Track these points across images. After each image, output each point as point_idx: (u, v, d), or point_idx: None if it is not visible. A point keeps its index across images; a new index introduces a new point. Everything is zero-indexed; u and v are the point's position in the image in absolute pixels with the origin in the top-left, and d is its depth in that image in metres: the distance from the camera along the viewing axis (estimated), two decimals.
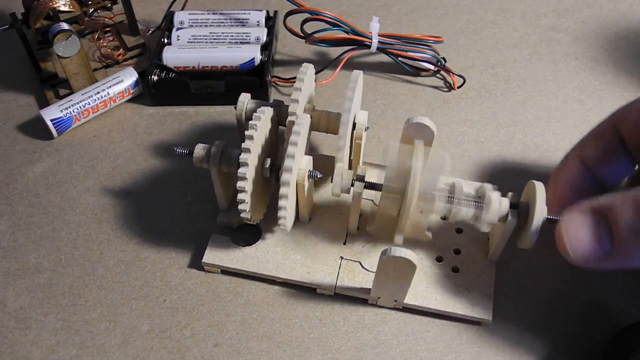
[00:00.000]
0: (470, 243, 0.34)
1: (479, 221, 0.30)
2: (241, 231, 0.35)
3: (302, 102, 0.32)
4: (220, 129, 0.42)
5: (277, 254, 0.33)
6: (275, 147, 0.35)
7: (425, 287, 0.32)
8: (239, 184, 0.29)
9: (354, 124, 0.33)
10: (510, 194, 0.30)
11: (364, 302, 0.32)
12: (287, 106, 0.33)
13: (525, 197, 0.30)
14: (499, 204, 0.29)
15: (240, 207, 0.30)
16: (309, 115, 0.32)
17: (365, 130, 0.34)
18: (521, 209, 0.30)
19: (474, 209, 0.30)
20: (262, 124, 0.30)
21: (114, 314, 0.32)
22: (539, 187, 0.29)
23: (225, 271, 0.33)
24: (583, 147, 0.31)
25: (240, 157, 0.29)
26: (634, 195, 0.25)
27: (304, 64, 0.34)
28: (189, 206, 0.37)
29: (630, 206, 0.25)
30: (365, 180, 0.31)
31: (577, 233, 0.26)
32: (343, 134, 0.31)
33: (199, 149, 0.32)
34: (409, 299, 0.32)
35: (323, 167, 0.34)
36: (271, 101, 0.36)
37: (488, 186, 0.30)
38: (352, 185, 0.31)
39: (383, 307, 0.32)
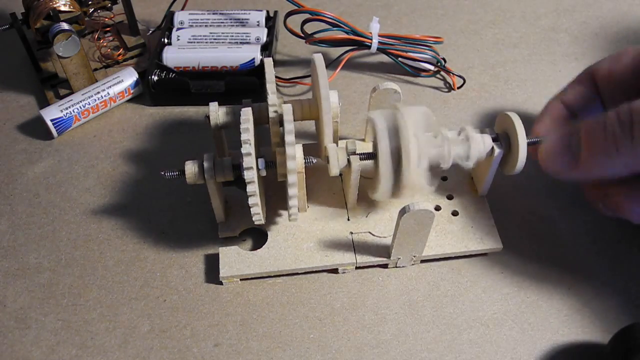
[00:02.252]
0: (457, 187, 0.36)
1: (468, 160, 0.32)
2: (245, 237, 0.35)
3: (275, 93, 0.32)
4: None
5: (290, 247, 0.34)
6: (257, 144, 0.35)
7: (436, 237, 0.34)
8: (249, 188, 0.29)
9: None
10: (487, 129, 0.33)
11: (363, 300, 0.33)
12: (257, 104, 0.34)
13: (500, 130, 0.33)
14: (482, 140, 0.32)
15: (252, 210, 0.30)
16: (290, 105, 0.31)
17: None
18: (503, 140, 0.32)
19: (464, 150, 0.32)
20: (250, 125, 0.30)
21: (114, 314, 0.32)
22: (515, 116, 0.31)
23: (245, 278, 0.33)
24: (564, 92, 0.35)
25: (244, 161, 0.28)
26: (596, 121, 0.29)
27: (265, 60, 0.34)
28: (189, 206, 0.37)
29: (601, 128, 0.28)
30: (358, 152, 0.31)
31: (554, 148, 0.30)
32: (327, 110, 0.31)
33: (190, 167, 0.31)
34: (426, 251, 0.33)
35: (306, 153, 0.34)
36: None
37: (468, 127, 0.32)
38: (348, 161, 0.31)
39: (402, 266, 0.34)
